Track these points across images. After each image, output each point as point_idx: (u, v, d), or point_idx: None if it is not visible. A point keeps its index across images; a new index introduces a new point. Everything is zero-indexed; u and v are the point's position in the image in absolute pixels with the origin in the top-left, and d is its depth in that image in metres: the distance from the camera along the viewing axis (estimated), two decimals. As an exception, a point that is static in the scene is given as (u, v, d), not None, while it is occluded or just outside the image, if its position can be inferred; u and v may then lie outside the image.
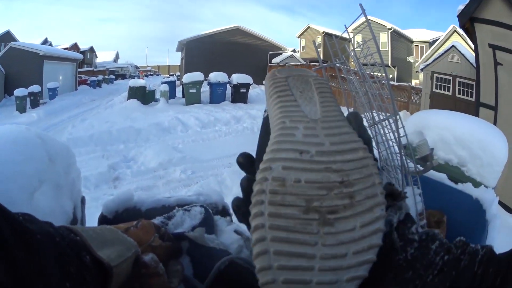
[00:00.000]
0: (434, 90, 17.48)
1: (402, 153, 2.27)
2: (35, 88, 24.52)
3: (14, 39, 35.58)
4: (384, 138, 2.34)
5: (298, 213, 0.63)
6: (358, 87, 2.61)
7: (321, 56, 2.95)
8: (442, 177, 3.06)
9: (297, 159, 0.67)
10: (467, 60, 15.99)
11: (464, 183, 2.94)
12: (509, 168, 3.76)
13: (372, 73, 2.58)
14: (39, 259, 0.61)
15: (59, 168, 1.70)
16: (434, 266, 0.62)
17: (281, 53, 38.56)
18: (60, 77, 31.17)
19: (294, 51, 41.70)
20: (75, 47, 49.49)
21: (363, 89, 2.54)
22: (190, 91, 21.22)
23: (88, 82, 37.10)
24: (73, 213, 1.76)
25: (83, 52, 47.00)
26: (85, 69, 45.59)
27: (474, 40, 10.82)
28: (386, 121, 2.34)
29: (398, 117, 2.23)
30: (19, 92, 23.15)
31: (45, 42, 47.43)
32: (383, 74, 2.27)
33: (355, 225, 0.63)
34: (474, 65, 11.76)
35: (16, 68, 28.96)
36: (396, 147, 2.33)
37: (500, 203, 2.86)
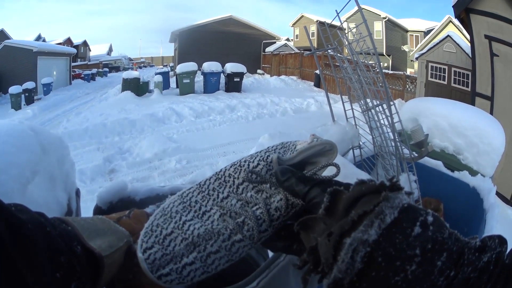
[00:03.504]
0: (429, 79, 17.55)
1: (397, 139, 2.26)
2: (29, 84, 24.30)
3: (7, 38, 35.36)
4: (378, 124, 2.34)
5: None
6: (351, 73, 2.61)
7: (315, 45, 2.94)
8: (438, 164, 3.06)
9: None
10: (463, 50, 16.07)
11: (461, 171, 2.94)
12: (505, 159, 3.76)
13: (365, 61, 2.58)
14: (30, 248, 0.61)
15: (53, 160, 1.70)
16: None
17: (275, 42, 38.51)
18: (54, 72, 30.98)
19: (287, 40, 41.67)
20: (68, 41, 49.26)
21: (356, 76, 2.54)
22: (184, 81, 21.17)
23: (82, 76, 36.81)
24: (68, 205, 1.76)
25: (76, 46, 46.85)
26: (79, 63, 45.31)
27: (469, 31, 10.82)
28: (380, 107, 2.34)
29: (391, 102, 2.23)
30: (13, 89, 22.95)
31: (38, 38, 47.20)
32: (377, 63, 2.27)
33: None
34: (470, 55, 11.77)
35: (10, 66, 28.75)
36: (390, 133, 2.33)
37: (497, 193, 2.84)
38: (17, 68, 28.52)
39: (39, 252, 0.62)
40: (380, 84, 2.28)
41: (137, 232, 1.05)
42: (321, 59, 19.61)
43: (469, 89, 12.59)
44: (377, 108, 2.30)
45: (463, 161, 3.58)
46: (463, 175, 2.87)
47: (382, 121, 2.31)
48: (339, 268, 0.57)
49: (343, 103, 2.62)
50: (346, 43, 2.65)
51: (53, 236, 0.69)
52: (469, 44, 12.02)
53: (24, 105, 23.27)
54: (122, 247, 0.93)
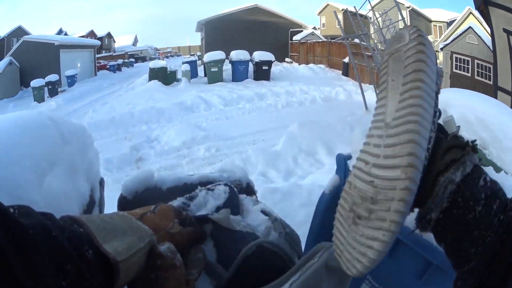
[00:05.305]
0: (454, 70, 17.31)
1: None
2: (52, 77, 24.54)
3: (26, 34, 35.44)
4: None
5: (347, 208, 0.87)
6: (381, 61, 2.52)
7: (341, 34, 2.85)
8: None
9: (361, 169, 0.87)
10: (484, 42, 15.84)
11: (486, 167, 2.84)
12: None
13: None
14: (31, 256, 0.55)
15: (74, 150, 1.67)
16: (492, 227, 0.72)
17: (302, 31, 38.40)
18: (78, 64, 31.09)
19: (314, 28, 41.54)
20: (91, 34, 49.30)
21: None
22: (212, 69, 21.14)
23: (108, 66, 36.88)
24: (90, 195, 1.73)
25: (100, 39, 46.89)
26: (104, 55, 45.44)
27: (489, 23, 10.65)
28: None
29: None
30: (35, 82, 23.19)
31: (60, 32, 47.30)
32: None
33: (363, 233, 0.81)
34: (491, 48, 11.58)
35: (31, 61, 28.69)
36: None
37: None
38: (39, 63, 28.55)
39: (41, 260, 0.57)
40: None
41: (162, 229, 0.98)
42: (352, 48, 19.40)
43: (491, 83, 12.42)
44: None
45: (488, 156, 3.47)
46: (488, 171, 2.76)
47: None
48: (433, 200, 0.79)
49: (376, 92, 2.54)
50: (375, 27, 2.56)
51: (59, 242, 0.62)
52: (489, 37, 11.83)
53: (48, 97, 23.51)
54: (143, 248, 0.85)
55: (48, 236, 0.60)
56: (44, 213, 0.66)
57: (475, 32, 16.42)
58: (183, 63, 23.39)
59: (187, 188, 1.64)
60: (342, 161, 2.67)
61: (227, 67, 22.40)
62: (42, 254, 0.57)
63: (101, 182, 1.99)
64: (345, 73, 24.51)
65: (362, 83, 12.78)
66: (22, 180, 1.20)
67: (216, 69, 21.13)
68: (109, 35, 53.95)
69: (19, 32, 36.47)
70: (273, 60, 22.35)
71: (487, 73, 15.34)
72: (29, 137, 1.38)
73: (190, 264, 1.03)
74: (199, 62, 26.45)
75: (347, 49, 19.86)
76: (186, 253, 1.06)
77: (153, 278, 0.89)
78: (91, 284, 0.65)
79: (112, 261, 0.70)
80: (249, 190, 1.85)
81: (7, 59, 28.78)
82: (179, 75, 22.29)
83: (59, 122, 1.61)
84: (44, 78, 23.95)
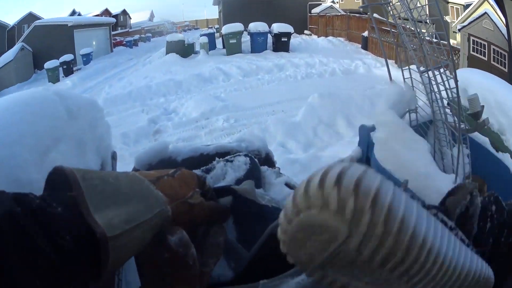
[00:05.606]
0: (471, 52, 17.09)
1: (455, 106, 2.12)
2: (67, 57, 24.41)
3: (37, 19, 35.35)
4: (436, 87, 2.20)
5: None
6: (405, 32, 2.48)
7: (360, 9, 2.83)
8: (485, 141, 2.92)
9: None
10: (499, 29, 15.64)
11: (504, 153, 2.82)
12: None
13: (419, 30, 2.47)
14: None
15: (83, 124, 1.62)
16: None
17: (320, 4, 38.22)
18: (94, 43, 30.90)
19: (333, 2, 41.36)
20: (106, 12, 48.76)
21: (412, 33, 2.42)
22: (231, 41, 21.18)
23: (124, 42, 36.83)
24: (100, 170, 1.66)
25: (115, 16, 46.67)
26: (120, 31, 45.37)
27: (503, 12, 10.50)
28: (437, 70, 2.19)
29: (455, 60, 2.08)
30: (49, 64, 23.17)
31: (73, 13, 46.96)
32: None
33: None
34: (506, 35, 11.47)
35: (45, 44, 28.09)
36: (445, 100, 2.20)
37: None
38: (53, 45, 28.13)
39: (7, 255, 0.51)
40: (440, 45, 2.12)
41: (180, 197, 0.83)
42: (369, 22, 19.24)
43: (506, 70, 12.29)
44: (435, 71, 2.15)
45: (505, 143, 3.42)
46: (506, 158, 2.74)
47: (440, 85, 2.16)
48: None
49: (400, 61, 2.48)
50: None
51: (28, 232, 0.54)
52: (504, 26, 11.69)
53: (63, 77, 23.41)
54: (151, 220, 0.69)
55: (15, 227, 0.53)
56: (19, 195, 0.57)
57: (490, 18, 16.25)
58: (201, 35, 23.59)
59: (203, 159, 1.61)
60: (365, 133, 2.62)
61: (245, 39, 22.43)
62: (7, 249, 0.51)
63: (114, 156, 1.94)
64: (364, 47, 24.31)
65: (381, 58, 12.65)
66: (21, 159, 1.15)
67: (235, 41, 21.21)
68: (124, 12, 53.65)
69: (30, 18, 36.28)
70: (292, 32, 22.53)
71: (503, 60, 15.19)
72: (31, 114, 1.33)
73: (207, 250, 0.88)
74: (217, 34, 26.47)
75: (366, 23, 19.60)
76: (204, 233, 0.93)
77: (160, 273, 0.75)
78: (69, 279, 0.56)
79: (99, 236, 0.57)
80: (269, 160, 1.81)
81: (18, 45, 28.51)
82: (197, 48, 22.34)
83: (66, 97, 1.56)
84: (58, 59, 23.94)
